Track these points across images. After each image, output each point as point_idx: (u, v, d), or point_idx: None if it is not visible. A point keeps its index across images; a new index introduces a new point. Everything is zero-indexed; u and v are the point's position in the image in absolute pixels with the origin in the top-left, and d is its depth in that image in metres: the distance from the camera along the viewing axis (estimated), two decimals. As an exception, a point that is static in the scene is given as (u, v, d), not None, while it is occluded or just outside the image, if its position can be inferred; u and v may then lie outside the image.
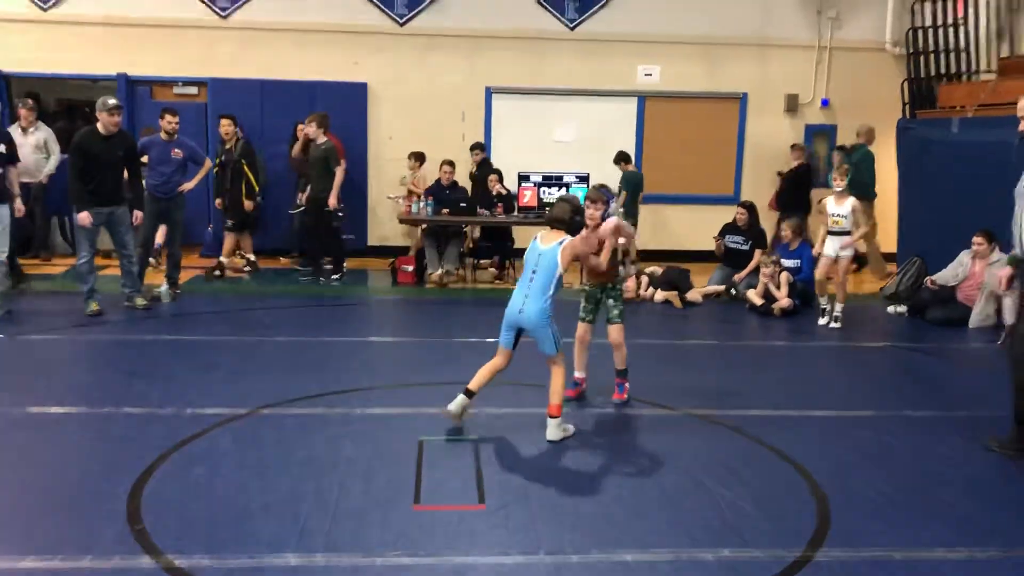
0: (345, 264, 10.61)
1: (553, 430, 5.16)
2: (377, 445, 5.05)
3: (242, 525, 4.00)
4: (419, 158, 11.51)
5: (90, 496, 4.27)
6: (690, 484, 4.60)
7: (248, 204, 10.40)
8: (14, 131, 9.63)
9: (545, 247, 5.21)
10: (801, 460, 4.96)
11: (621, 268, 6.19)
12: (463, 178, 11.27)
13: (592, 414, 5.72)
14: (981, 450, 5.21)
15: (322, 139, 10.09)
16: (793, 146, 12.13)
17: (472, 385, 5.24)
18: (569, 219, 5.27)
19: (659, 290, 9.69)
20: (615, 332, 5.87)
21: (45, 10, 11.68)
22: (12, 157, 7.97)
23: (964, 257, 9.02)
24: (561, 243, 5.18)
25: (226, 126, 10.31)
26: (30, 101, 10.59)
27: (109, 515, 4.04)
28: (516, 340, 5.28)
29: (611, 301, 5.88)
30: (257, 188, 10.54)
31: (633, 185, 11.40)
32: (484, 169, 11.36)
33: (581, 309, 5.96)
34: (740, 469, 4.82)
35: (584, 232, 5.49)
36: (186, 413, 5.47)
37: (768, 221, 11.65)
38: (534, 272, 5.19)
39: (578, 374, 6.00)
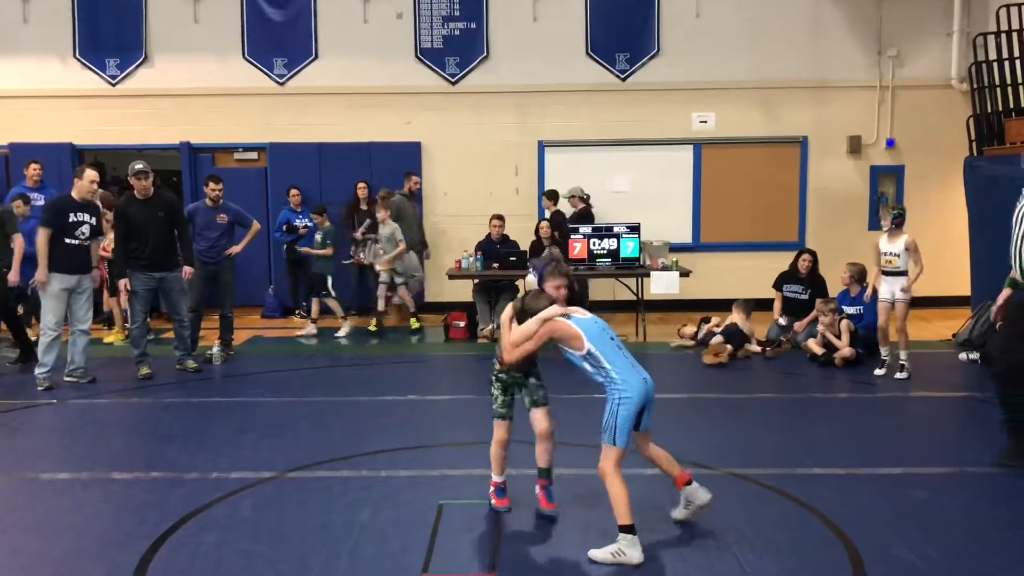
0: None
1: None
2: (397, 510, 4.93)
3: (242, 597, 3.91)
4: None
5: (100, 565, 4.24)
6: (717, 552, 4.33)
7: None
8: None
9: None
10: (843, 523, 4.63)
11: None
12: (513, 232, 11.17)
13: (625, 475, 5.45)
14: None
15: None
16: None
17: (626, 519, 4.23)
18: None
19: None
20: (542, 417, 4.76)
21: (114, 85, 12.20)
22: (99, 230, 8.22)
23: (1040, 299, 8.49)
24: None
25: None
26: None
27: (113, 586, 3.99)
28: None
29: (533, 380, 4.81)
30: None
31: None
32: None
33: (498, 404, 4.83)
34: (773, 534, 4.52)
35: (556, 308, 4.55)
36: (211, 477, 5.45)
37: None
38: (613, 337, 4.44)
39: (498, 478, 4.92)
